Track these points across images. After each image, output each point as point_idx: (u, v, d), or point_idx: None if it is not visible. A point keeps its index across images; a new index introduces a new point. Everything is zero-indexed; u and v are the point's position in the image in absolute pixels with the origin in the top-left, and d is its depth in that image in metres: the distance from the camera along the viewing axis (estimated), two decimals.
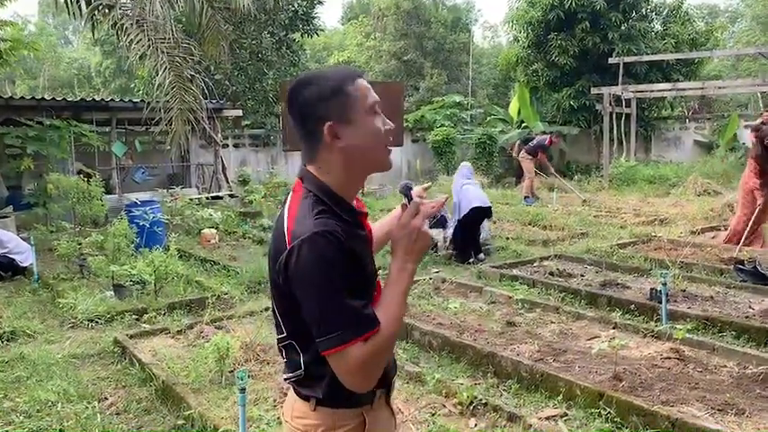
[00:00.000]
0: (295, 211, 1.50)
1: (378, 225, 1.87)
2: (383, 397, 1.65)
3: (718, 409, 3.62)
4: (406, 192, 1.56)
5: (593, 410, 3.64)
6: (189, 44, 9.97)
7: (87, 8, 9.63)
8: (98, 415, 3.86)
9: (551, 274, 7.00)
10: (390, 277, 1.50)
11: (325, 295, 1.40)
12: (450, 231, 8.83)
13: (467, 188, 8.21)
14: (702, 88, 17.18)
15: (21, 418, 3.88)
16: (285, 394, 2.30)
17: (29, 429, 3.72)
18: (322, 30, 19.88)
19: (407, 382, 4.20)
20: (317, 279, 1.40)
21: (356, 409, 1.57)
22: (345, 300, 1.39)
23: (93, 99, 13.37)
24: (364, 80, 1.55)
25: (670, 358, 4.43)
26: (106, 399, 4.18)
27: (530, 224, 10.45)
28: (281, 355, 1.62)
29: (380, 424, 1.64)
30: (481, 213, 8.07)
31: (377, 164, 1.57)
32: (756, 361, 4.28)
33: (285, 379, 1.62)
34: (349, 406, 1.56)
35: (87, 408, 3.97)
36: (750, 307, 5.59)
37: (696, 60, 19.17)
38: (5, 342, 5.37)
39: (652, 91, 16.94)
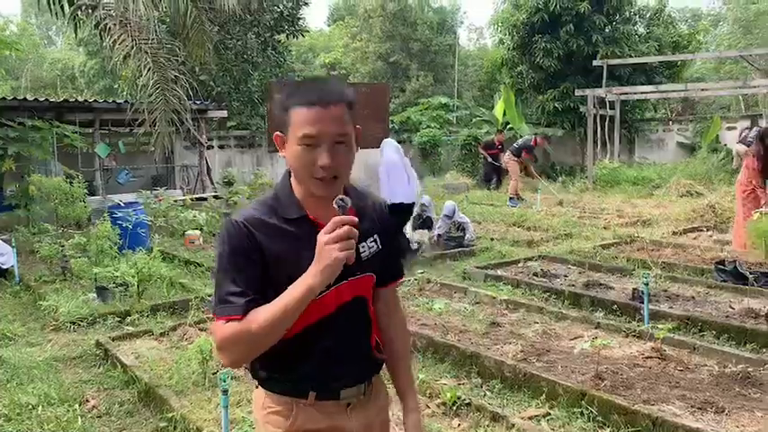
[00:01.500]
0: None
1: None
2: (332, 402, 1.65)
3: (699, 408, 3.66)
4: (340, 206, 1.47)
5: (575, 410, 3.67)
6: (173, 45, 9.94)
7: (70, 8, 9.56)
8: (79, 418, 3.83)
9: (535, 274, 7.04)
10: (292, 284, 1.47)
11: (217, 273, 1.57)
12: (436, 232, 8.86)
13: (397, 174, 7.71)
14: (685, 90, 17.38)
15: (0, 421, 3.84)
16: None
17: None
18: (307, 31, 19.87)
19: (390, 383, 4.19)
20: (218, 256, 1.58)
21: (282, 397, 1.65)
22: (224, 281, 1.53)
23: (77, 100, 13.28)
24: (316, 109, 1.51)
25: (651, 357, 4.46)
26: (88, 401, 4.14)
27: (514, 225, 10.50)
28: None
29: (318, 421, 1.65)
30: (401, 211, 7.37)
31: (306, 182, 1.57)
32: (736, 360, 4.33)
33: None
34: (276, 391, 1.66)
35: (68, 411, 3.94)
36: (730, 307, 5.65)
37: (679, 63, 19.39)
38: None
39: (635, 93, 17.11)
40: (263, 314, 1.47)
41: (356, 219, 1.45)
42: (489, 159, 16.44)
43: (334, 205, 1.47)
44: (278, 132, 1.60)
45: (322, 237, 1.43)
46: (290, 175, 1.64)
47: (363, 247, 1.64)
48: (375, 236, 1.70)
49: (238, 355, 1.55)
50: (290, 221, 1.59)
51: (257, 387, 1.71)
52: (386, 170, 7.55)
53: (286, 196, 1.62)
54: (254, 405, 1.74)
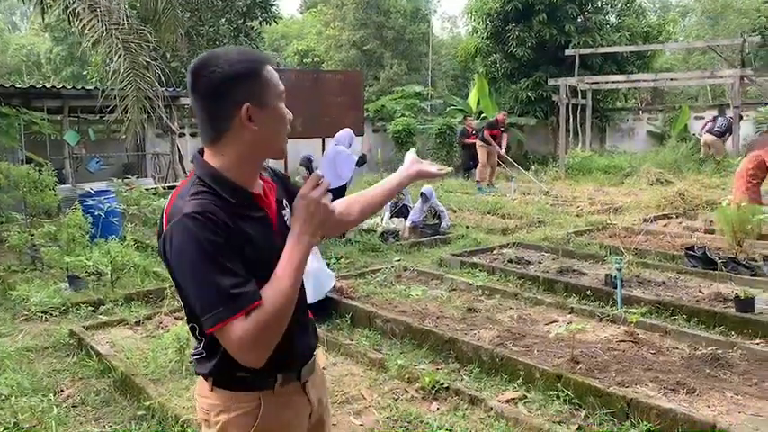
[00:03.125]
0: (176, 193, 1.51)
1: (380, 184, 1.99)
2: (292, 384, 1.64)
3: (671, 389, 3.74)
4: (307, 163, 1.56)
5: (551, 392, 3.73)
6: (144, 30, 9.73)
7: None
8: (54, 407, 3.77)
9: (510, 261, 7.11)
10: (285, 250, 1.46)
11: (200, 276, 1.39)
12: (410, 221, 8.90)
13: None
14: (655, 80, 17.63)
15: None
16: None
17: None
18: (280, 18, 19.68)
19: (370, 369, 4.23)
20: (190, 261, 1.40)
21: (251, 393, 1.57)
22: (219, 277, 1.38)
23: (44, 86, 12.96)
24: (272, 67, 1.56)
25: (625, 341, 4.55)
26: (62, 391, 4.09)
27: (489, 213, 10.57)
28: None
29: (286, 411, 1.62)
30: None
31: (277, 151, 1.57)
32: (706, 342, 4.43)
33: (192, 355, 1.64)
34: (243, 389, 1.56)
35: (43, 401, 3.87)
36: (700, 291, 5.78)
37: (649, 53, 19.65)
38: None
39: (607, 82, 17.31)
40: (279, 288, 1.41)
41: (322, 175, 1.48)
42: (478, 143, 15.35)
43: (301, 163, 1.51)
44: (247, 104, 1.47)
45: (313, 194, 1.44)
46: (203, 161, 1.54)
47: (285, 214, 1.63)
48: (284, 201, 1.68)
49: (271, 344, 1.43)
50: (240, 204, 1.51)
51: (212, 390, 1.59)
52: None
53: (218, 180, 1.51)
54: (209, 410, 1.60)
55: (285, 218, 1.61)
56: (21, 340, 5.08)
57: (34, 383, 4.15)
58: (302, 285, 1.65)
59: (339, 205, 1.87)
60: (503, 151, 14.45)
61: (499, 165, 14.96)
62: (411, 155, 2.04)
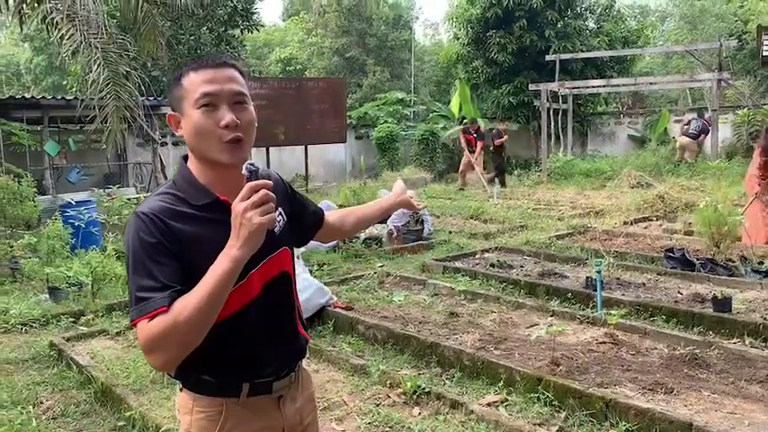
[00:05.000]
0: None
1: (376, 202, 2.10)
2: (264, 396, 1.61)
3: (649, 389, 3.79)
4: (251, 173, 1.39)
5: (532, 395, 3.76)
6: (124, 40, 9.69)
7: (14, 2, 9.26)
8: (34, 420, 3.74)
9: (492, 265, 7.16)
10: (214, 262, 1.40)
11: (131, 272, 1.44)
12: (391, 224, 8.92)
13: None
14: (635, 84, 17.84)
15: None
16: None
17: None
18: (262, 25, 19.66)
19: (352, 375, 4.24)
20: (128, 256, 1.46)
21: (215, 399, 1.56)
22: (139, 278, 1.41)
23: (24, 97, 12.85)
24: (208, 70, 1.51)
25: (605, 342, 4.60)
26: (42, 403, 4.05)
27: (471, 218, 10.63)
28: None
29: (252, 423, 1.60)
30: None
31: (210, 158, 1.51)
32: (684, 342, 4.49)
33: None
34: (207, 393, 1.56)
35: (22, 413, 3.84)
36: (679, 292, 5.85)
37: (629, 57, 19.88)
38: None
39: (587, 87, 17.49)
40: (190, 300, 1.36)
41: (270, 182, 1.37)
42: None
43: (244, 171, 1.38)
44: (171, 112, 1.55)
45: (238, 205, 1.34)
46: (186, 161, 1.59)
47: (278, 222, 1.60)
48: (280, 209, 1.64)
49: (171, 353, 1.39)
50: (200, 207, 1.51)
51: (181, 390, 1.61)
52: None
53: (189, 183, 1.54)
54: (179, 409, 1.63)
55: (275, 227, 1.53)
56: (0, 352, 5.03)
57: (13, 396, 4.11)
58: (283, 298, 1.65)
59: (332, 216, 1.98)
60: (474, 157, 15.08)
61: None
62: (400, 184, 2.19)
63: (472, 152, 15.12)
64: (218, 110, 1.49)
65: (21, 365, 4.78)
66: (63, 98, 13.00)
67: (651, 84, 18.55)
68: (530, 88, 17.44)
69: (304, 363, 1.78)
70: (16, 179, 9.01)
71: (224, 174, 1.52)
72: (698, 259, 6.47)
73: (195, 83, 1.50)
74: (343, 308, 5.55)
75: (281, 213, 1.64)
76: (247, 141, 1.53)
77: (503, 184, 15.27)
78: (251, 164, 1.40)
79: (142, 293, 1.40)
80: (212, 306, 1.37)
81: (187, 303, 1.36)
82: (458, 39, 21.16)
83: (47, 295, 6.36)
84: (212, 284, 1.35)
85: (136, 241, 1.44)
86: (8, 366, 4.73)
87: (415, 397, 3.82)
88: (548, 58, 17.51)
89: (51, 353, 4.91)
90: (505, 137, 15.79)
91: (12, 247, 7.46)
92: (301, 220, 1.82)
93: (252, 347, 1.57)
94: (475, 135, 15.15)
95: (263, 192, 1.34)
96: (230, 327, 1.51)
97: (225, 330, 1.49)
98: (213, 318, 1.39)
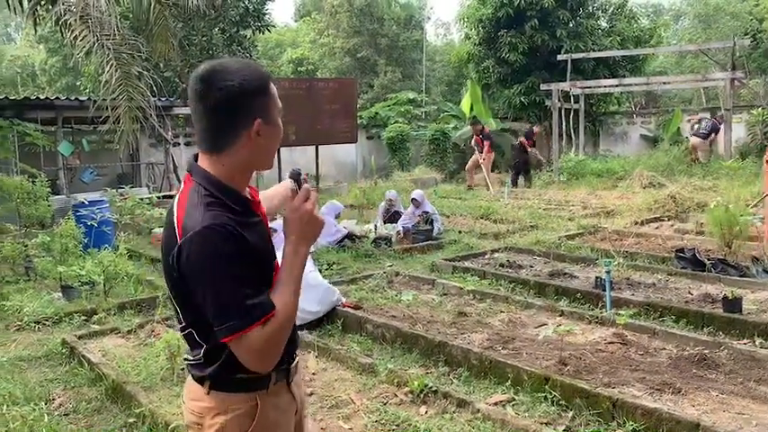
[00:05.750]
0: (185, 204, 1.53)
1: (264, 196, 1.93)
2: (282, 383, 1.69)
3: (657, 389, 3.78)
4: (296, 177, 1.61)
5: (539, 394, 3.76)
6: (136, 41, 9.78)
7: (29, 4, 9.37)
8: (46, 416, 3.79)
9: (501, 265, 7.15)
10: (284, 261, 1.55)
11: (219, 287, 1.45)
12: (401, 225, 8.93)
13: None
14: (647, 84, 17.72)
15: None
16: None
17: None
18: (274, 26, 19.74)
19: (360, 374, 4.26)
20: (210, 272, 1.45)
21: (249, 394, 1.61)
22: (239, 289, 1.45)
23: (38, 97, 13.00)
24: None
25: (613, 343, 4.59)
26: (54, 400, 4.11)
27: (482, 218, 10.62)
28: (185, 341, 1.67)
29: (278, 409, 1.68)
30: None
31: (269, 163, 1.65)
32: (693, 343, 4.48)
33: (184, 360, 1.69)
34: (241, 390, 1.61)
35: (35, 410, 3.89)
36: (689, 293, 5.83)
37: (641, 57, 19.74)
38: None
39: (599, 87, 17.40)
40: (284, 296, 1.51)
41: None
42: (530, 150, 16.03)
43: (292, 176, 1.61)
44: (259, 119, 1.54)
45: (305, 206, 1.53)
46: (207, 172, 1.57)
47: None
48: None
49: (280, 350, 1.55)
50: (243, 211, 1.58)
51: (208, 393, 1.61)
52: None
53: (223, 190, 1.56)
54: (207, 412, 1.62)
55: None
56: (13, 350, 5.10)
57: (26, 392, 4.17)
58: None
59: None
60: (482, 158, 15.22)
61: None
62: (284, 184, 2.02)
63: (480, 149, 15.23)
64: None
65: (34, 362, 4.84)
66: (77, 99, 13.14)
67: (664, 83, 18.41)
68: (541, 88, 17.37)
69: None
70: (30, 179, 9.11)
71: (249, 179, 1.66)
72: (709, 259, 6.44)
73: (276, 94, 1.61)
74: (351, 307, 5.58)
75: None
76: None
77: (525, 183, 15.31)
78: (298, 168, 1.64)
79: (251, 301, 1.45)
80: (298, 301, 1.54)
81: (284, 299, 1.50)
82: (469, 38, 21.11)
83: (60, 294, 6.44)
84: (296, 280, 1.53)
85: (221, 255, 1.45)
86: (21, 363, 4.80)
87: (422, 396, 3.83)
88: (559, 57, 17.43)
89: (63, 350, 4.97)
90: (524, 140, 15.83)
91: (26, 246, 7.56)
92: None
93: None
94: (481, 136, 15.32)
95: (315, 193, 1.56)
96: None
97: None
98: None
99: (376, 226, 9.18)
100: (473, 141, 15.72)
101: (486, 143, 15.18)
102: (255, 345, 1.45)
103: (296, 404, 1.75)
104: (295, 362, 1.75)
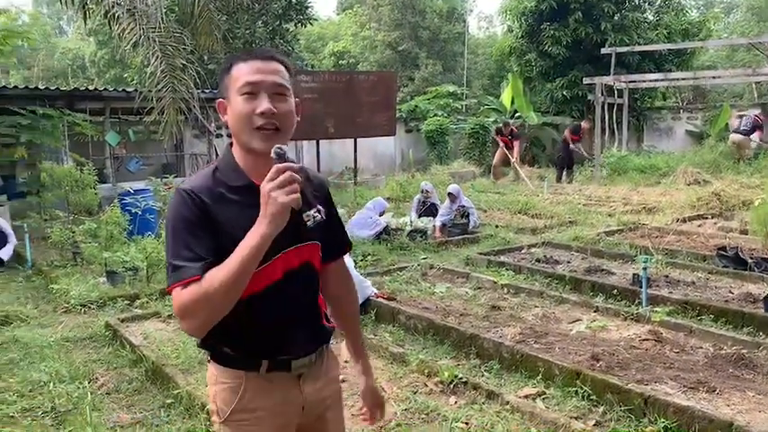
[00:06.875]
0: None
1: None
2: (284, 373, 1.68)
3: (691, 387, 3.74)
4: (279, 156, 1.49)
5: (570, 389, 3.75)
6: (181, 33, 9.99)
7: None
8: (89, 394, 3.96)
9: (538, 260, 7.11)
10: (243, 239, 1.49)
11: (170, 243, 1.57)
12: (439, 220, 8.94)
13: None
14: (695, 78, 17.28)
15: (14, 397, 3.98)
16: None
17: (22, 408, 3.82)
18: (316, 19, 19.88)
19: (391, 363, 4.32)
20: (167, 228, 1.59)
21: (234, 371, 1.66)
22: (176, 248, 1.54)
23: (87, 88, 13.39)
24: (255, 61, 1.62)
25: (648, 340, 4.54)
26: (97, 379, 4.28)
27: (519, 213, 10.55)
28: None
29: (270, 396, 1.67)
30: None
31: (246, 144, 1.62)
32: (731, 342, 4.40)
33: None
34: (229, 365, 1.67)
35: (79, 388, 4.07)
36: (730, 291, 5.71)
37: (689, 51, 19.24)
38: None
39: (644, 81, 17.03)
40: (221, 272, 1.46)
41: (296, 165, 1.47)
42: (571, 146, 15.73)
43: (272, 154, 1.49)
44: (220, 99, 1.67)
45: (265, 185, 1.44)
46: (230, 147, 1.69)
47: (308, 215, 1.60)
48: (319, 206, 1.64)
49: (201, 320, 1.51)
50: (235, 189, 1.61)
51: (209, 361, 1.72)
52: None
53: (229, 166, 1.65)
54: (208, 380, 1.74)
55: (306, 219, 1.55)
56: (60, 331, 5.32)
57: (71, 372, 4.35)
58: (304, 287, 1.72)
59: (343, 275, 1.92)
60: (513, 157, 15.43)
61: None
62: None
63: (509, 150, 15.41)
64: (258, 98, 1.59)
65: (79, 343, 5.05)
66: (124, 90, 13.47)
67: (713, 78, 17.90)
68: (584, 82, 17.09)
69: (333, 347, 1.86)
70: (79, 168, 9.42)
71: (260, 161, 1.58)
72: (752, 258, 6.29)
73: (242, 72, 1.61)
74: (385, 298, 5.63)
75: (318, 210, 1.65)
76: (284, 131, 1.62)
77: (566, 178, 15.17)
78: (279, 147, 1.51)
79: (178, 262, 1.52)
80: (239, 278, 1.47)
81: (217, 274, 1.47)
82: (511, 31, 20.91)
83: (104, 278, 6.67)
84: (240, 258, 1.46)
85: (176, 215, 1.57)
86: (68, 344, 5.01)
87: (452, 386, 3.87)
88: (603, 51, 17.09)
89: (107, 333, 5.17)
90: (568, 134, 15.67)
91: (74, 232, 7.83)
92: (334, 230, 1.86)
93: (270, 328, 1.66)
94: (510, 137, 15.47)
95: (288, 173, 1.44)
96: (251, 306, 1.60)
97: (246, 308, 1.59)
98: (239, 289, 1.49)
99: (411, 219, 9.22)
100: (497, 139, 15.97)
101: (515, 142, 15.32)
102: (175, 304, 1.51)
103: (302, 400, 1.72)
104: (306, 358, 1.72)
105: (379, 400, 1.97)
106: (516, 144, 15.39)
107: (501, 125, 16.16)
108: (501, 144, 15.80)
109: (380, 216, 8.80)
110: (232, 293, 1.49)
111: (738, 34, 28.87)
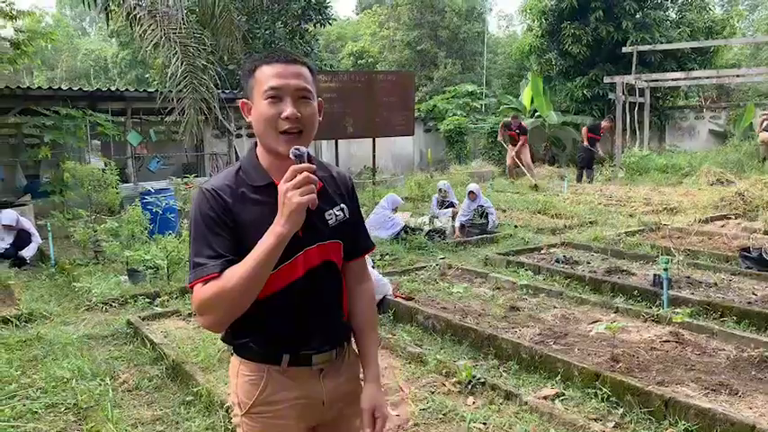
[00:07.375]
0: None
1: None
2: (305, 368, 1.70)
3: (712, 390, 3.69)
4: (297, 157, 1.51)
5: (589, 390, 3.73)
6: (202, 34, 10.08)
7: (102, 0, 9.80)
8: (111, 391, 4.01)
9: (557, 261, 7.06)
10: (261, 238, 1.52)
11: (192, 240, 1.61)
12: (459, 221, 8.92)
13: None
14: (717, 77, 17.04)
15: (38, 393, 4.04)
16: None
17: (45, 404, 3.88)
18: (335, 19, 19.94)
19: (409, 363, 4.32)
20: (191, 226, 1.63)
21: (259, 365, 1.69)
22: (198, 246, 1.58)
23: (109, 89, 13.54)
24: (278, 65, 1.63)
25: (669, 341, 4.49)
26: (119, 376, 4.34)
27: (539, 213, 10.49)
28: None
29: (292, 390, 1.70)
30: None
31: (270, 146, 1.64)
32: (754, 344, 4.33)
33: None
34: (251, 359, 1.70)
35: (101, 385, 4.13)
36: (753, 293, 5.63)
37: (712, 49, 18.99)
38: (23, 323, 5.56)
39: (666, 80, 16.84)
40: (239, 270, 1.50)
41: (313, 166, 1.50)
42: (585, 144, 15.47)
43: (290, 155, 1.52)
44: (244, 99, 1.69)
45: (282, 186, 1.47)
46: (255, 147, 1.72)
47: (330, 214, 1.69)
48: (342, 205, 1.74)
49: (219, 316, 1.55)
50: (257, 189, 1.64)
51: (232, 354, 1.75)
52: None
53: (252, 166, 1.68)
54: (230, 372, 1.77)
55: (329, 218, 1.69)
56: (82, 328, 5.40)
57: (93, 368, 4.41)
58: (326, 285, 1.73)
59: (361, 277, 1.88)
60: (523, 154, 15.30)
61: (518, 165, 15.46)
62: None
63: (515, 146, 15.26)
64: (282, 102, 1.61)
65: (101, 341, 5.11)
66: (145, 91, 13.63)
67: (737, 76, 17.65)
68: (605, 81, 16.95)
69: (354, 345, 1.87)
70: (107, 167, 9.54)
71: (283, 162, 1.59)
72: None
73: (266, 75, 1.62)
74: (403, 298, 5.63)
75: (341, 209, 1.74)
76: (307, 134, 1.65)
77: (586, 179, 15.04)
78: (296, 148, 1.53)
79: (199, 259, 1.56)
80: (257, 276, 1.50)
81: (235, 272, 1.51)
82: (531, 30, 20.80)
83: (126, 277, 6.75)
84: (257, 257, 1.49)
85: (198, 213, 1.61)
86: (89, 341, 5.08)
87: (469, 386, 3.86)
88: (624, 49, 16.94)
89: (128, 330, 5.23)
90: (585, 131, 15.51)
91: (95, 231, 7.94)
92: (356, 230, 1.86)
93: (292, 324, 1.68)
94: (517, 131, 15.27)
95: (304, 174, 1.47)
96: (273, 302, 1.63)
97: (268, 305, 1.62)
98: (257, 287, 1.53)
99: (431, 218, 9.21)
100: (501, 136, 15.91)
101: (522, 137, 15.14)
102: (195, 300, 1.55)
103: (323, 395, 1.73)
104: (326, 354, 1.73)
105: (380, 413, 1.80)
106: (523, 139, 15.14)
107: (509, 119, 15.90)
108: (502, 139, 15.80)
109: (394, 212, 8.81)
110: (250, 291, 1.52)
111: (763, 32, 28.41)
